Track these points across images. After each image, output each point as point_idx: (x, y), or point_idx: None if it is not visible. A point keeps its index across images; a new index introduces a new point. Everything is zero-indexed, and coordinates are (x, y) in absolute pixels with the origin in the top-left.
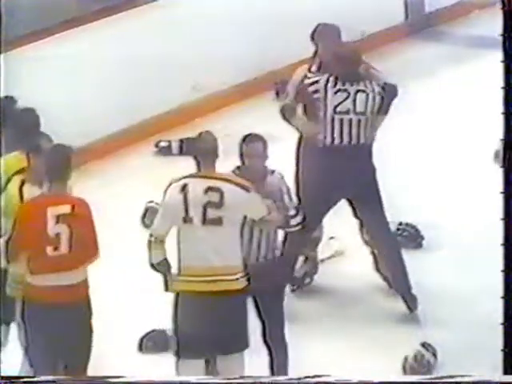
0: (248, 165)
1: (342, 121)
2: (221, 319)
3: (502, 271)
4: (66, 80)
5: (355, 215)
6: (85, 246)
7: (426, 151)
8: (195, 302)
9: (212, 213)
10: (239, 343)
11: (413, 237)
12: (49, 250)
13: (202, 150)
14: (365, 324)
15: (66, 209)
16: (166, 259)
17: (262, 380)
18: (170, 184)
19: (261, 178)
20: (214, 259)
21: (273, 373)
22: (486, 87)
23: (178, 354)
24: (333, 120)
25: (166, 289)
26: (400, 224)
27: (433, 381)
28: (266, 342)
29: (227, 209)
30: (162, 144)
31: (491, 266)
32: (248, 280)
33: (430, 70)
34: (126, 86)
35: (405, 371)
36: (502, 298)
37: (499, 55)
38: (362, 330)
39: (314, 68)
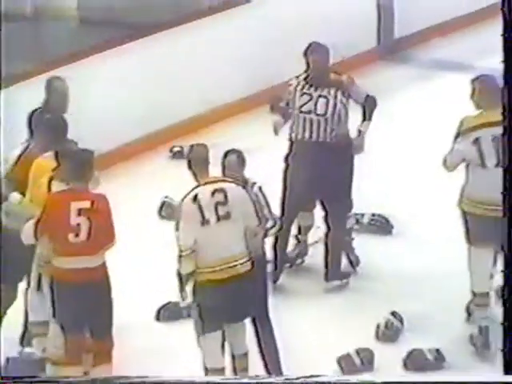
0: (227, 175)
1: (304, 119)
2: (231, 297)
3: (502, 271)
4: (98, 95)
5: (321, 202)
6: (102, 235)
7: (394, 156)
8: (210, 287)
9: (221, 210)
10: (245, 314)
11: (384, 226)
12: (70, 236)
13: (198, 160)
14: (344, 297)
15: (86, 204)
16: (194, 270)
17: (263, 379)
18: (182, 200)
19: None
20: (224, 251)
21: (260, 348)
22: (444, 102)
23: (203, 331)
24: (298, 117)
25: (182, 291)
26: (373, 215)
27: (433, 381)
28: (253, 320)
29: (231, 204)
30: (175, 149)
31: (449, 249)
32: (252, 264)
33: (399, 88)
34: (146, 101)
35: (377, 336)
36: (502, 297)
37: (456, 76)
38: (341, 302)
39: (302, 80)
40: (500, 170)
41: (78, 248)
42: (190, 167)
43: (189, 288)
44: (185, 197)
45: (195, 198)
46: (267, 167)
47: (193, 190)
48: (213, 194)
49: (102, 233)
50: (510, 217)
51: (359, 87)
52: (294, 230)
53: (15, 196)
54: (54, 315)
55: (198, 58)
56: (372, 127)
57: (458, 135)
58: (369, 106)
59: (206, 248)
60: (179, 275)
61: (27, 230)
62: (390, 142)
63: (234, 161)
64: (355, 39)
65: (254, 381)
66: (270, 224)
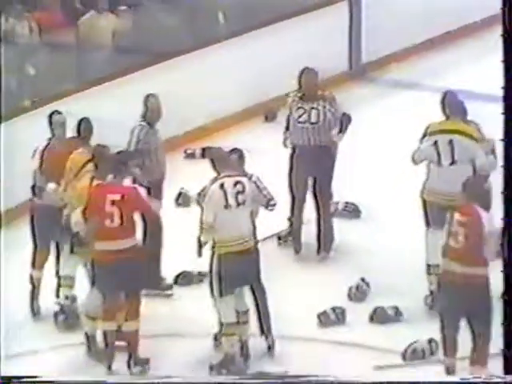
0: (230, 169)
1: (302, 128)
2: (242, 266)
3: (502, 271)
4: (128, 108)
5: (313, 191)
6: (131, 222)
7: (363, 157)
8: (227, 258)
9: (240, 198)
10: (250, 280)
11: (354, 211)
12: (107, 222)
13: (219, 158)
14: (322, 267)
15: (117, 197)
16: (212, 239)
17: (265, 379)
18: (209, 187)
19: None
20: (239, 230)
21: (257, 308)
22: (400, 114)
23: (220, 294)
24: (296, 127)
25: (200, 255)
26: (346, 203)
27: (433, 381)
28: (251, 287)
29: (247, 193)
30: (188, 151)
31: (408, 230)
32: (256, 241)
33: (366, 103)
34: (164, 114)
35: (349, 297)
36: (502, 298)
37: (410, 93)
38: (320, 271)
39: (296, 97)
40: (453, 168)
41: (112, 232)
42: (213, 164)
43: (207, 253)
44: (212, 184)
45: (222, 185)
46: (261, 164)
47: (219, 179)
48: (235, 184)
49: (130, 220)
50: (509, 216)
51: (338, 105)
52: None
53: (51, 186)
54: (93, 284)
55: (206, 79)
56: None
57: (423, 136)
58: (345, 122)
59: (227, 227)
60: (199, 241)
61: (76, 217)
62: (359, 146)
63: (236, 158)
64: (332, 65)
65: (258, 380)
66: (272, 202)
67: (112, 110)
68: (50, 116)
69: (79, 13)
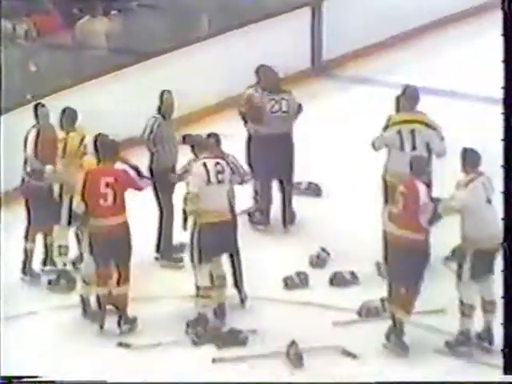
0: (209, 150)
1: (276, 117)
2: (219, 236)
3: (502, 271)
4: (122, 101)
5: (279, 177)
6: (122, 202)
7: (324, 142)
8: (206, 228)
9: (220, 177)
10: (227, 249)
11: (316, 190)
12: (101, 201)
13: (200, 142)
14: (288, 238)
15: (111, 179)
16: (196, 211)
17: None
18: (193, 163)
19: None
20: (218, 204)
21: (234, 272)
22: (356, 106)
23: (199, 261)
24: (270, 117)
25: (185, 228)
26: (309, 183)
27: (433, 381)
28: (230, 255)
29: (225, 174)
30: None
31: (365, 207)
32: (234, 215)
33: (326, 96)
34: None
35: (311, 263)
36: (502, 298)
37: (365, 88)
38: (287, 242)
39: (259, 90)
40: (413, 153)
41: (106, 210)
42: (192, 148)
43: (189, 223)
44: (196, 162)
45: (205, 164)
46: (234, 148)
47: (202, 159)
48: (215, 164)
49: (122, 199)
50: (509, 216)
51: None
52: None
53: (50, 168)
54: (91, 253)
55: (186, 75)
56: (309, 123)
57: (386, 127)
58: (299, 111)
59: (208, 200)
60: (184, 213)
61: (77, 200)
62: (321, 132)
63: (214, 141)
64: (296, 62)
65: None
66: (247, 177)
67: (104, 103)
68: (36, 108)
69: (76, 17)
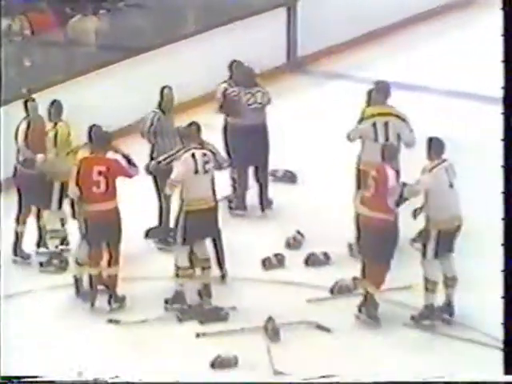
0: (190, 139)
1: (252, 109)
2: (203, 222)
3: (502, 271)
4: (113, 95)
5: (255, 164)
6: (113, 189)
7: (299, 133)
8: (192, 214)
9: (206, 167)
10: (209, 234)
11: (291, 177)
12: (94, 188)
13: (186, 134)
14: (265, 222)
15: (103, 168)
16: (181, 199)
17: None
18: (183, 154)
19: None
20: (203, 192)
21: (216, 254)
22: (329, 99)
23: (177, 243)
24: (247, 109)
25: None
26: (286, 171)
27: (433, 380)
28: (213, 239)
29: (210, 163)
30: None
31: (338, 192)
32: (216, 202)
33: (301, 92)
34: (141, 96)
35: (288, 245)
36: (503, 298)
37: (338, 82)
38: (263, 225)
39: (232, 85)
40: (385, 144)
41: (99, 196)
42: (181, 138)
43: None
44: (185, 152)
45: (193, 155)
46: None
47: (190, 149)
48: (203, 155)
49: (113, 187)
50: (509, 216)
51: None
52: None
53: (41, 157)
54: (84, 236)
55: (170, 70)
56: (285, 116)
57: (361, 120)
58: (268, 100)
59: (195, 189)
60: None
61: (71, 186)
62: (296, 125)
63: (195, 129)
64: (272, 58)
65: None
66: (226, 164)
67: (94, 96)
68: (26, 102)
69: (68, 16)
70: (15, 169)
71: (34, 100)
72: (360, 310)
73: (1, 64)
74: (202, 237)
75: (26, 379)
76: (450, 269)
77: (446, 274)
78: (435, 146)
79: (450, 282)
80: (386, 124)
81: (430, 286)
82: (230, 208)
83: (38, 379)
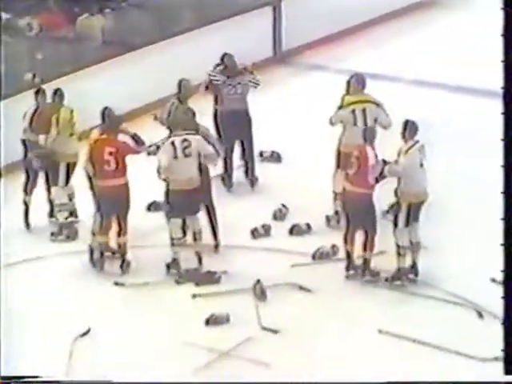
0: (186, 125)
1: (232, 98)
2: (188, 199)
3: (502, 271)
4: (118, 87)
5: (240, 139)
6: (123, 167)
7: (283, 119)
8: (176, 193)
9: (186, 151)
10: (197, 210)
11: (277, 157)
12: (105, 167)
13: (174, 122)
14: (253, 196)
15: (113, 149)
16: (165, 178)
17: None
18: (164, 142)
19: (196, 129)
20: (186, 174)
21: (211, 224)
22: (311, 89)
23: (168, 217)
24: (227, 98)
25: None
26: (272, 152)
27: (433, 381)
28: (207, 207)
29: (192, 148)
30: (156, 115)
31: (318, 170)
32: (201, 182)
33: (286, 82)
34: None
35: (274, 217)
36: (502, 298)
37: (320, 73)
38: (252, 199)
39: (216, 70)
40: (363, 128)
41: (110, 173)
42: (168, 127)
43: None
44: (166, 141)
45: (173, 143)
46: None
47: (170, 137)
48: (182, 141)
49: (123, 165)
50: (508, 216)
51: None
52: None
53: (43, 137)
54: (98, 209)
55: (168, 64)
56: (271, 102)
57: (340, 106)
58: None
59: (177, 172)
60: (165, 181)
61: (85, 163)
62: (281, 111)
63: (191, 115)
64: (260, 52)
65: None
66: (215, 162)
67: (99, 86)
68: (37, 91)
69: (77, 14)
70: (25, 152)
71: (44, 91)
72: (348, 270)
73: (1, 60)
74: (187, 213)
75: (25, 379)
76: (415, 235)
77: (411, 240)
78: (410, 129)
79: (415, 246)
80: (363, 110)
81: (401, 251)
82: (223, 185)
83: (38, 379)
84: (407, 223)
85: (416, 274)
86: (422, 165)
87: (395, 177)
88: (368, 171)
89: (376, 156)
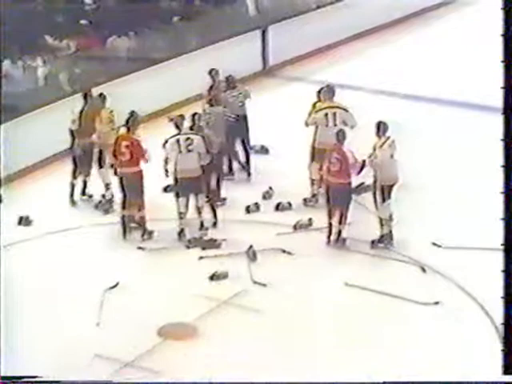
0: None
1: (234, 107)
2: (189, 185)
3: (503, 271)
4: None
5: (241, 137)
6: (137, 158)
7: (270, 120)
8: (181, 180)
9: (189, 147)
10: (198, 191)
11: (265, 150)
12: (121, 157)
13: (180, 123)
14: (246, 183)
15: (128, 143)
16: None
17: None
18: (168, 140)
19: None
20: (189, 166)
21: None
22: (291, 95)
23: (177, 197)
24: (232, 107)
25: (167, 175)
26: (262, 146)
27: (433, 381)
28: (207, 196)
29: (194, 145)
30: (171, 117)
31: (299, 161)
32: (203, 171)
33: (272, 90)
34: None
35: (264, 197)
36: (502, 298)
37: (299, 84)
38: (245, 185)
39: (217, 87)
40: (333, 128)
41: (126, 163)
42: (176, 127)
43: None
44: (172, 138)
45: (178, 140)
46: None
47: (175, 135)
48: (186, 139)
49: (136, 157)
50: (507, 215)
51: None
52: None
53: (94, 136)
54: (121, 190)
55: (181, 77)
56: (261, 107)
57: (315, 111)
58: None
59: (181, 164)
60: (165, 170)
61: (109, 155)
62: (268, 114)
63: (197, 118)
64: (252, 67)
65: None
66: (213, 146)
67: (125, 93)
68: (85, 95)
69: (107, 36)
70: (72, 144)
71: (91, 95)
72: (329, 239)
73: (1, 75)
74: (189, 194)
75: (26, 379)
76: (389, 209)
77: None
78: (382, 128)
79: (390, 218)
80: (334, 114)
81: (383, 222)
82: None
83: (38, 379)
84: (383, 200)
85: (391, 239)
86: (392, 156)
87: (373, 167)
88: (348, 168)
89: (353, 155)
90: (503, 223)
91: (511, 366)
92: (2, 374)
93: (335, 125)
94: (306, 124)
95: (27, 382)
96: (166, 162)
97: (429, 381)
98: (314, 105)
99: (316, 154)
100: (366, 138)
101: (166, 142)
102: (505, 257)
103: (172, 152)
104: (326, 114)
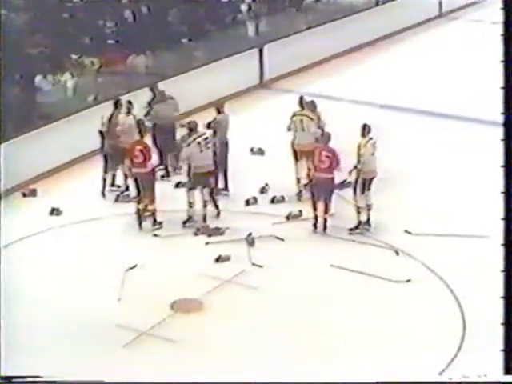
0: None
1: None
2: (203, 179)
3: (503, 271)
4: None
5: None
6: (148, 160)
7: (265, 125)
8: (196, 175)
9: (208, 145)
10: (207, 184)
11: (261, 152)
12: (135, 159)
13: (195, 127)
14: (246, 176)
15: (140, 147)
16: (189, 166)
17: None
18: (190, 144)
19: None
20: (204, 162)
21: (213, 201)
22: (283, 104)
23: (188, 189)
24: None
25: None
26: (259, 149)
27: (433, 381)
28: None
29: (211, 142)
30: (183, 124)
31: (286, 161)
32: (216, 167)
33: (266, 101)
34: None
35: (261, 192)
36: (502, 298)
37: (288, 95)
38: (244, 182)
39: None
40: (304, 133)
41: (139, 164)
42: (191, 130)
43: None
44: (193, 139)
45: (199, 142)
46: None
47: (195, 139)
48: (204, 139)
49: (148, 159)
50: (508, 215)
51: None
52: None
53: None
54: (136, 187)
55: (187, 88)
56: (257, 113)
57: (293, 116)
58: None
59: (198, 160)
60: (177, 168)
61: (126, 158)
62: (264, 120)
63: (209, 124)
64: (250, 81)
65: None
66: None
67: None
68: (116, 103)
69: (127, 54)
70: (102, 145)
71: (121, 103)
72: (315, 227)
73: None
74: (200, 186)
75: (26, 379)
76: (369, 199)
77: (366, 203)
78: (366, 129)
79: (369, 207)
80: (301, 121)
81: (360, 210)
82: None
83: (38, 379)
84: (363, 191)
85: (369, 225)
86: (373, 154)
87: (360, 162)
88: (338, 167)
89: (336, 153)
90: (503, 223)
91: (511, 366)
92: (2, 373)
93: (303, 130)
94: (288, 128)
95: (26, 381)
96: (181, 159)
97: (429, 381)
98: (295, 113)
99: (298, 155)
100: (348, 142)
101: (189, 144)
102: (505, 257)
103: (191, 152)
104: (302, 120)
